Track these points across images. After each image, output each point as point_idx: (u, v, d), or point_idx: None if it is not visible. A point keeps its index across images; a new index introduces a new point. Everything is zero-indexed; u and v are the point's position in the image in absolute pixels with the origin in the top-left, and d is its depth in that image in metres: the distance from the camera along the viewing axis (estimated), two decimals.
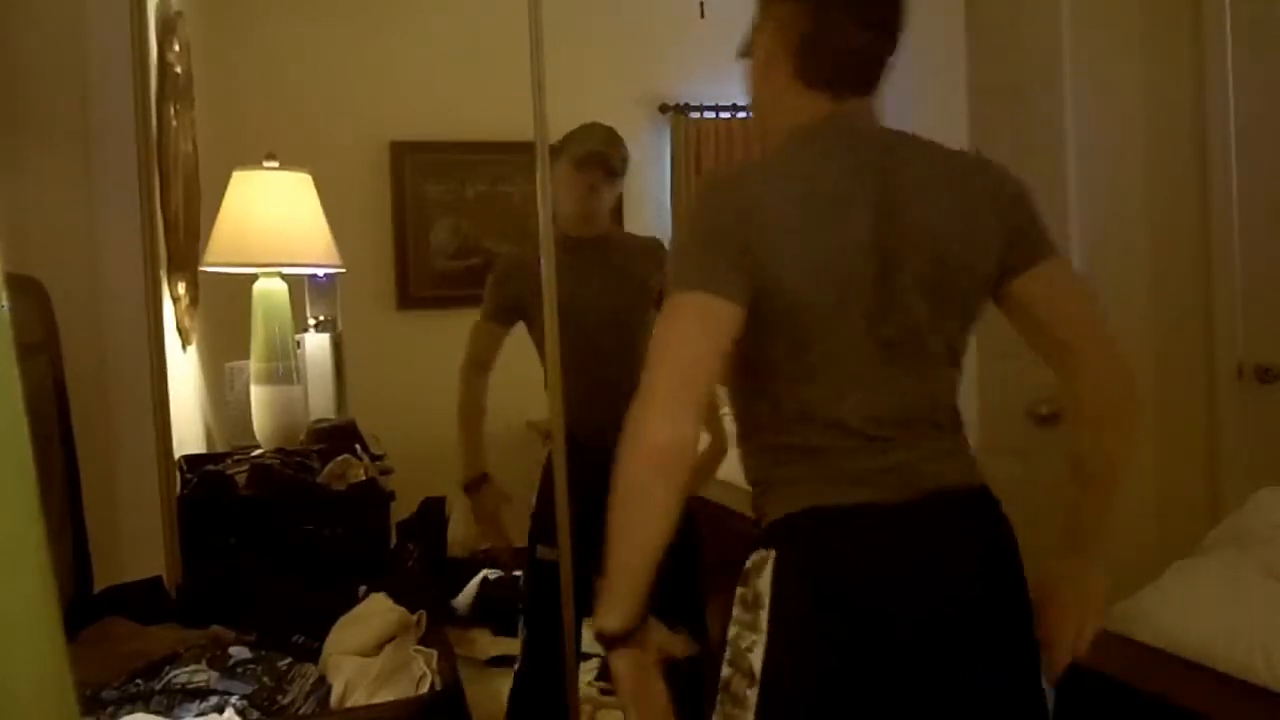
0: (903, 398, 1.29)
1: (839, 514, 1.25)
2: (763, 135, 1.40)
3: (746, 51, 1.38)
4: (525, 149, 2.41)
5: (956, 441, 1.36)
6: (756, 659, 1.22)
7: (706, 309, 1.19)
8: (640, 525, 1.18)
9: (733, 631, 1.26)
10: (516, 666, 2.64)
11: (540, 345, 2.44)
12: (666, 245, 2.69)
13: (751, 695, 1.22)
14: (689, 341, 1.19)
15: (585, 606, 2.52)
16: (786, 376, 1.28)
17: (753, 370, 1.30)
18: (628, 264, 2.49)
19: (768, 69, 1.34)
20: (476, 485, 2.59)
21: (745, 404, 1.36)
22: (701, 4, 3.41)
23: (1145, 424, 2.75)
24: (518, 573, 4.02)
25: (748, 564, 1.28)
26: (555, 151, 2.42)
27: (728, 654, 1.27)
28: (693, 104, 4.98)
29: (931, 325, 1.29)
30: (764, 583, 1.24)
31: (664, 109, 4.99)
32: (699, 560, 2.54)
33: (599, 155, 2.42)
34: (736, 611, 1.26)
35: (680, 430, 1.16)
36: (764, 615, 1.22)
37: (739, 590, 1.27)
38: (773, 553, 1.25)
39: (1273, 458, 2.55)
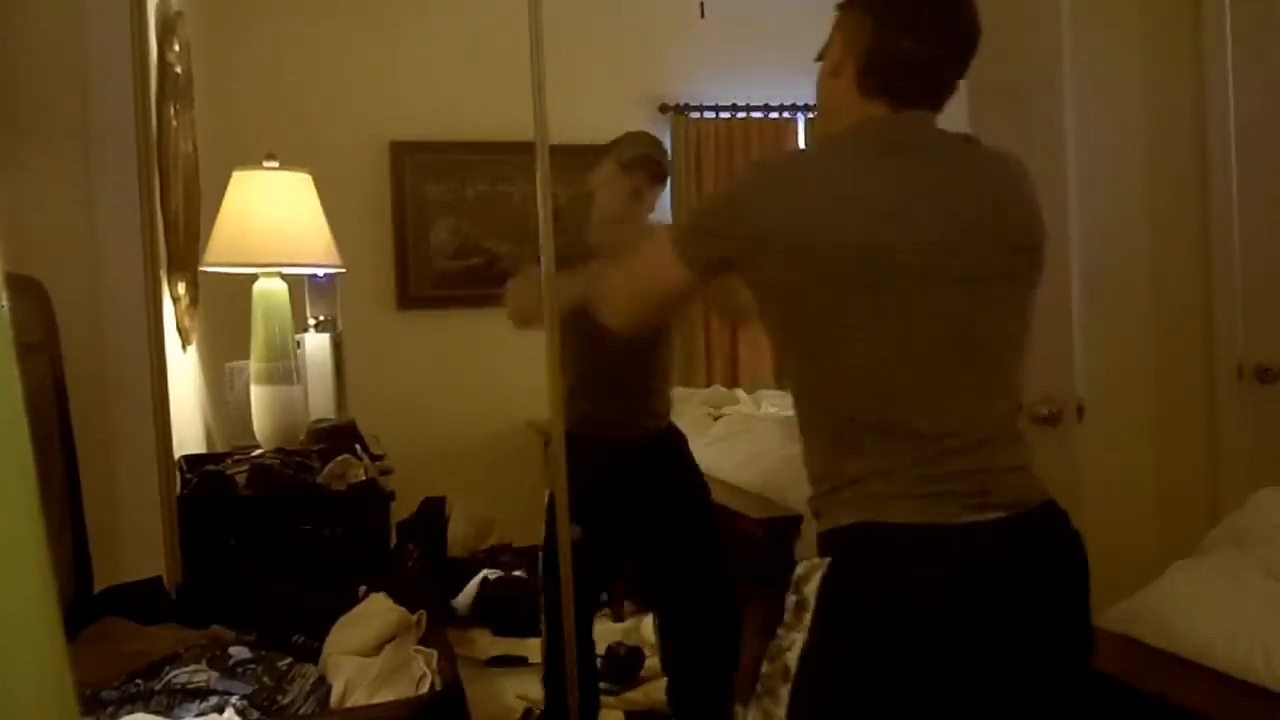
0: (980, 405, 1.30)
1: (901, 533, 1.23)
2: (822, 130, 1.45)
3: (821, 55, 1.43)
4: (525, 149, 2.41)
5: (1025, 451, 1.35)
6: (793, 657, 1.24)
7: (679, 271, 1.38)
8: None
9: (779, 633, 1.28)
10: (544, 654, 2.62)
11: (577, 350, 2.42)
12: None
13: (784, 691, 1.25)
14: (660, 293, 1.48)
15: (602, 584, 2.53)
16: (863, 365, 1.28)
17: (825, 350, 1.31)
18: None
19: (834, 77, 1.38)
20: None
21: (814, 388, 1.35)
22: (701, 4, 3.41)
23: (1145, 424, 2.76)
24: (518, 572, 4.03)
25: (798, 571, 1.28)
26: (600, 154, 2.45)
27: (769, 652, 1.29)
28: (693, 104, 4.98)
29: (998, 327, 1.31)
30: (810, 589, 1.25)
31: (664, 109, 4.99)
32: (720, 549, 2.55)
33: (647, 159, 2.43)
34: (786, 617, 1.28)
35: (630, 325, 1.53)
36: (807, 617, 1.24)
37: (788, 598, 1.28)
38: (827, 561, 1.26)
39: (1273, 458, 2.55)
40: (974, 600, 1.23)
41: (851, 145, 1.34)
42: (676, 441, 2.64)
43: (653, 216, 2.59)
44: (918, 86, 1.34)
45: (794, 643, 1.25)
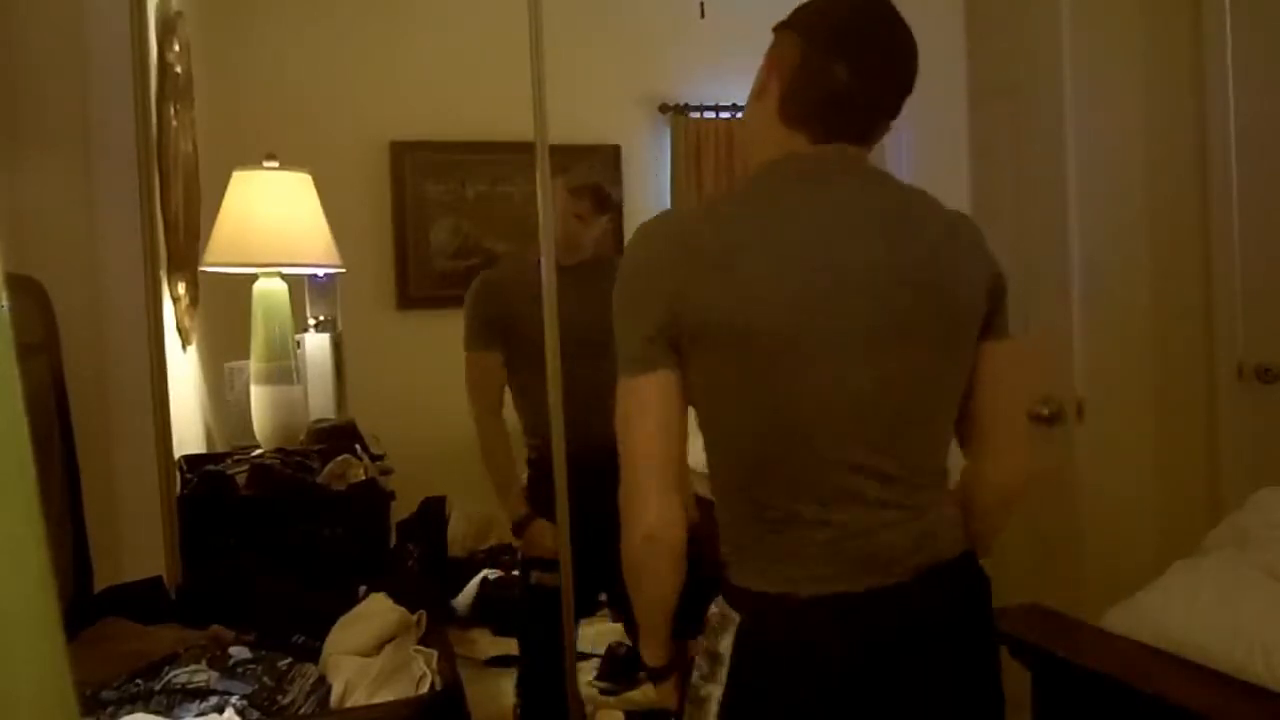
0: (887, 457, 1.23)
1: (808, 605, 1.20)
2: (743, 167, 1.39)
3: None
4: (525, 149, 2.42)
5: (942, 502, 1.30)
6: (713, 709, 1.23)
7: (652, 389, 1.22)
8: (648, 591, 1.29)
9: (695, 676, 1.27)
10: (517, 688, 2.62)
11: (513, 363, 2.49)
12: None
13: None
14: (649, 428, 1.23)
15: (583, 609, 2.52)
16: (753, 432, 1.23)
17: (718, 420, 1.26)
18: (609, 289, 2.49)
19: (758, 99, 1.32)
20: (524, 525, 2.51)
21: (712, 455, 1.30)
22: (701, 4, 3.40)
23: (1145, 424, 2.76)
24: (518, 572, 4.02)
25: (712, 613, 1.26)
26: (557, 172, 2.43)
27: (689, 695, 1.27)
28: (693, 104, 4.98)
29: (917, 374, 1.24)
30: (725, 646, 1.23)
31: (664, 109, 4.98)
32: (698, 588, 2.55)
33: (594, 187, 2.46)
34: (699, 660, 1.27)
35: (664, 514, 1.23)
36: (724, 673, 1.23)
37: (702, 640, 1.27)
38: (737, 617, 1.23)
39: (1273, 458, 2.55)
40: (882, 666, 1.21)
41: (755, 196, 1.26)
42: None
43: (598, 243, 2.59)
44: (843, 118, 1.26)
45: (711, 694, 1.23)
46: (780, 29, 1.33)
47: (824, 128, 1.27)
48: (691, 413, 1.27)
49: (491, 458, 2.55)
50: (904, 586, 1.23)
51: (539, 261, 2.31)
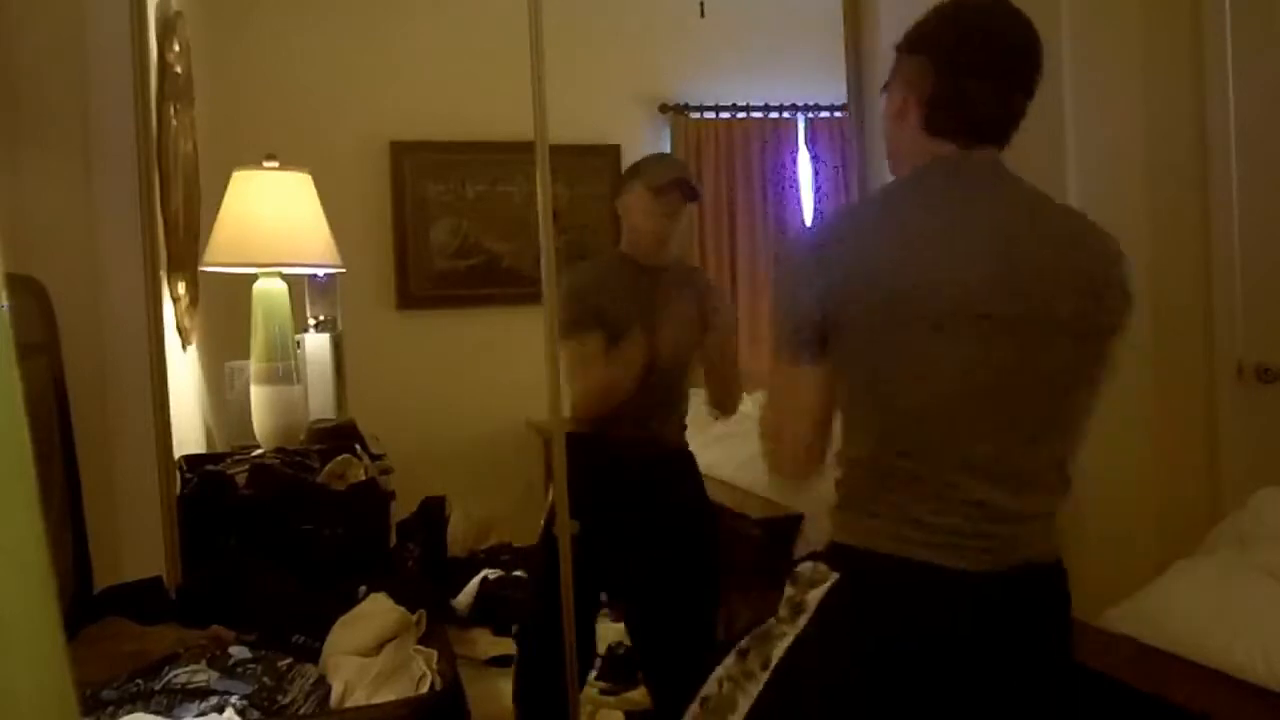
0: (1016, 459, 1.29)
1: (916, 569, 1.25)
2: (894, 171, 1.45)
3: (885, 88, 1.43)
4: (525, 149, 2.42)
5: (1054, 507, 1.35)
6: (778, 650, 1.27)
7: (805, 379, 1.33)
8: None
9: (771, 621, 1.31)
10: (519, 649, 2.62)
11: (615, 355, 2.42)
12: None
13: (761, 675, 1.28)
14: (795, 416, 1.36)
15: (601, 580, 2.52)
16: (903, 405, 1.29)
17: (854, 388, 1.32)
18: (686, 294, 2.50)
19: (899, 120, 1.39)
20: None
21: (854, 414, 1.36)
22: (702, 4, 3.41)
23: (1145, 424, 2.75)
24: (518, 572, 4.02)
25: (804, 568, 1.31)
26: (625, 180, 2.45)
27: (758, 631, 1.31)
28: (693, 104, 4.98)
29: (1047, 381, 1.29)
30: (814, 597, 1.27)
31: (664, 109, 4.99)
32: (715, 546, 2.55)
33: (682, 182, 2.44)
34: (781, 609, 1.31)
35: (811, 470, 1.37)
36: (803, 620, 1.27)
37: (788, 588, 1.31)
38: (835, 575, 1.28)
39: (1273, 458, 2.55)
40: (970, 644, 1.25)
41: (912, 189, 1.35)
42: (692, 463, 2.64)
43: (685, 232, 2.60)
44: (986, 124, 1.34)
45: (785, 635, 1.28)
46: (904, 53, 1.39)
47: (970, 136, 1.34)
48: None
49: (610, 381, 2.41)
50: (1004, 577, 1.27)
51: (622, 256, 2.39)
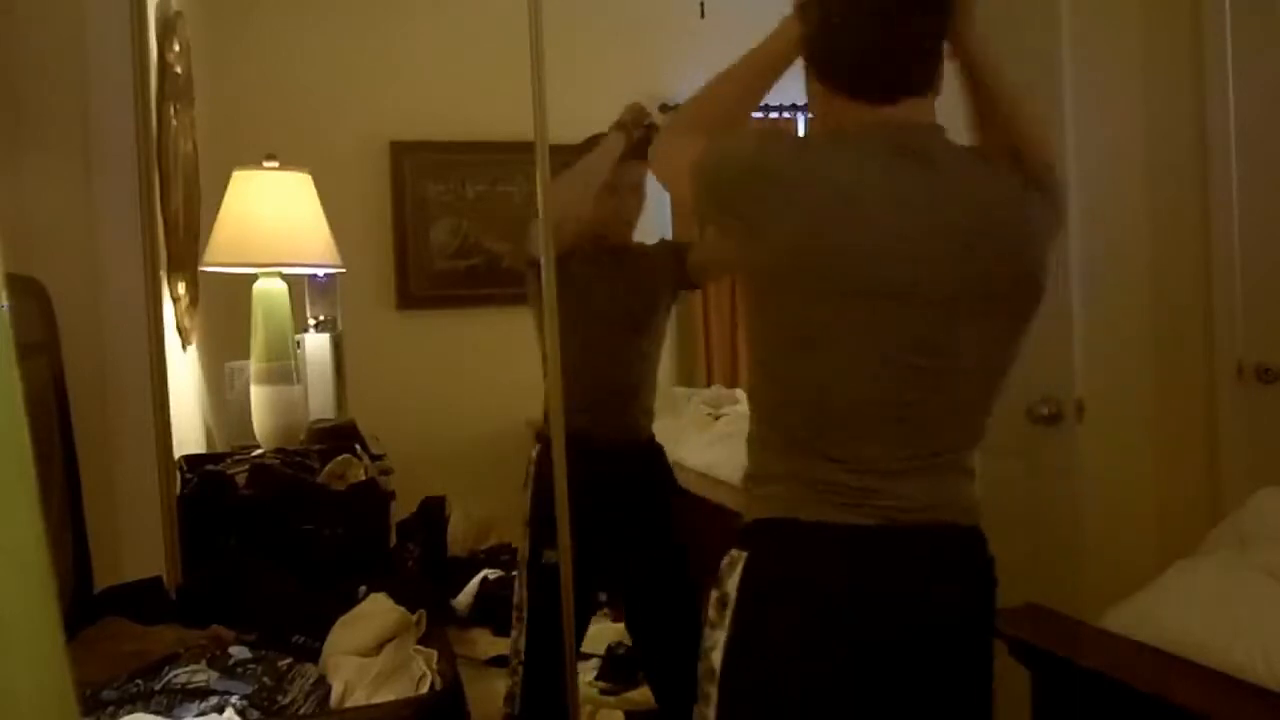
0: (928, 432, 1.28)
1: (820, 528, 1.25)
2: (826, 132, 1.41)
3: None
4: (525, 149, 2.41)
5: (959, 474, 1.34)
6: (718, 656, 1.26)
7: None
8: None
9: (704, 633, 1.30)
10: (516, 675, 2.60)
11: (565, 331, 2.42)
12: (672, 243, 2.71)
13: (713, 691, 1.26)
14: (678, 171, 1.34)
15: (586, 606, 2.52)
16: (799, 368, 1.28)
17: (775, 347, 1.30)
18: (643, 274, 2.50)
19: (806, 75, 1.36)
20: None
21: (759, 385, 1.35)
22: (702, 4, 3.41)
23: (1145, 424, 2.75)
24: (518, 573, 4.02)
25: (722, 564, 1.30)
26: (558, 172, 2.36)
27: (700, 654, 1.30)
28: None
29: (967, 353, 1.28)
30: (732, 584, 1.26)
31: (664, 109, 4.98)
32: (668, 500, 2.55)
33: (644, 139, 2.42)
34: (710, 613, 1.30)
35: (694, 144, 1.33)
36: (728, 615, 1.25)
37: (712, 593, 1.30)
38: (745, 554, 1.27)
39: (1273, 458, 2.55)
40: (883, 597, 1.24)
41: (855, 142, 1.28)
42: (660, 455, 2.63)
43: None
44: (876, 74, 1.28)
45: (717, 642, 1.26)
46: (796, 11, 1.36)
47: (862, 89, 1.29)
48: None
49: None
50: (910, 532, 1.26)
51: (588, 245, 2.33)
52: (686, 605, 2.45)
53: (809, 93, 1.37)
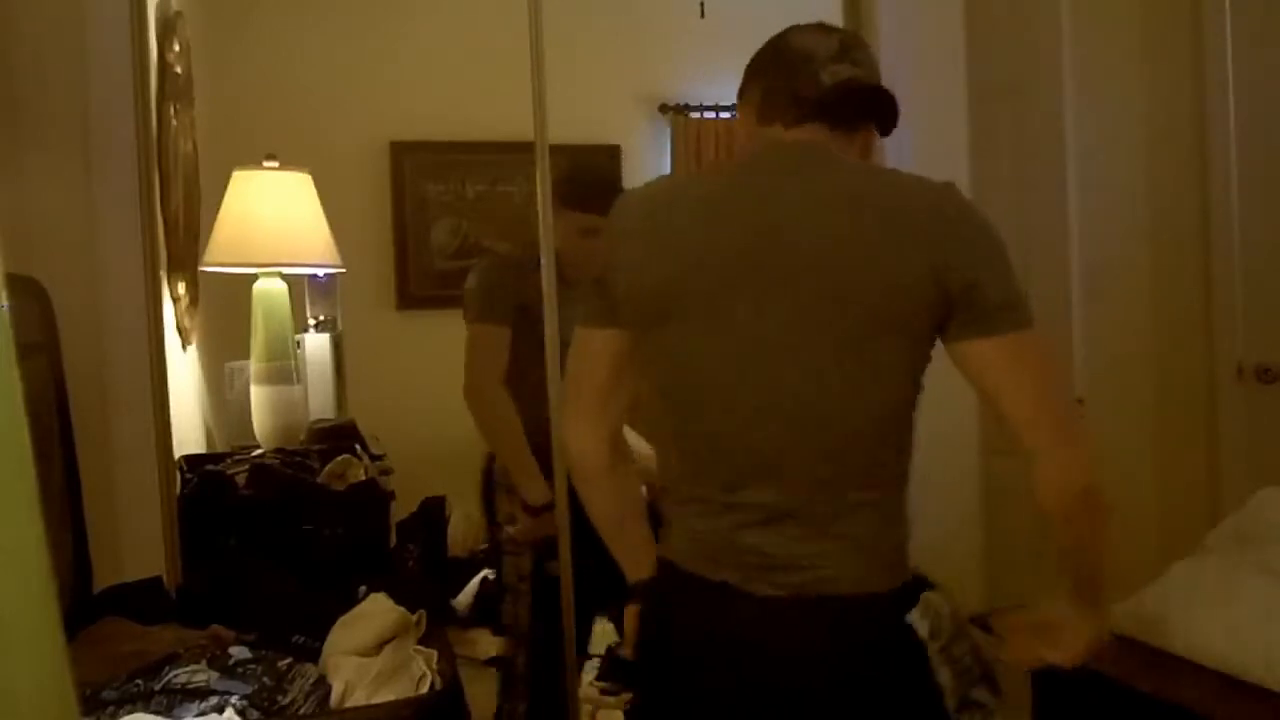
0: (803, 472, 1.16)
1: (683, 578, 1.25)
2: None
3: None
4: (525, 149, 2.41)
5: (857, 527, 1.16)
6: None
7: (592, 340, 1.32)
8: (592, 512, 1.42)
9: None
10: (517, 698, 2.58)
11: (516, 350, 2.40)
12: None
13: None
14: (585, 376, 1.34)
15: (587, 607, 2.51)
16: (668, 414, 1.27)
17: (657, 380, 1.30)
18: None
19: (745, 142, 1.37)
20: (544, 509, 2.34)
21: (656, 419, 1.35)
22: (702, 4, 3.40)
23: (1145, 424, 2.75)
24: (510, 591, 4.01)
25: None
26: (556, 191, 2.33)
27: None
28: (693, 104, 4.97)
29: (835, 370, 1.14)
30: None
31: (664, 109, 4.98)
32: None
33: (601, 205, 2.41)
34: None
35: (583, 444, 1.35)
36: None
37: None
38: (635, 607, 1.34)
39: (1273, 458, 2.55)
40: (743, 672, 1.17)
41: (705, 174, 1.33)
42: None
43: None
44: (803, 83, 1.27)
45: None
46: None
47: (790, 107, 1.28)
48: None
49: (506, 433, 2.40)
50: (768, 603, 1.16)
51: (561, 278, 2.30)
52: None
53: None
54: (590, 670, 2.92)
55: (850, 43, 1.30)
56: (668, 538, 1.30)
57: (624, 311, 1.26)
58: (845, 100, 1.25)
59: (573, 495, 2.23)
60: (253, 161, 2.87)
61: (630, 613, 1.37)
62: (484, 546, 4.29)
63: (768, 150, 1.27)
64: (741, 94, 1.37)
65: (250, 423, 2.89)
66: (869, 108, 1.28)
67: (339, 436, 2.93)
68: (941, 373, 1.22)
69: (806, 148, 1.24)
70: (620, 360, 1.30)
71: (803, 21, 1.38)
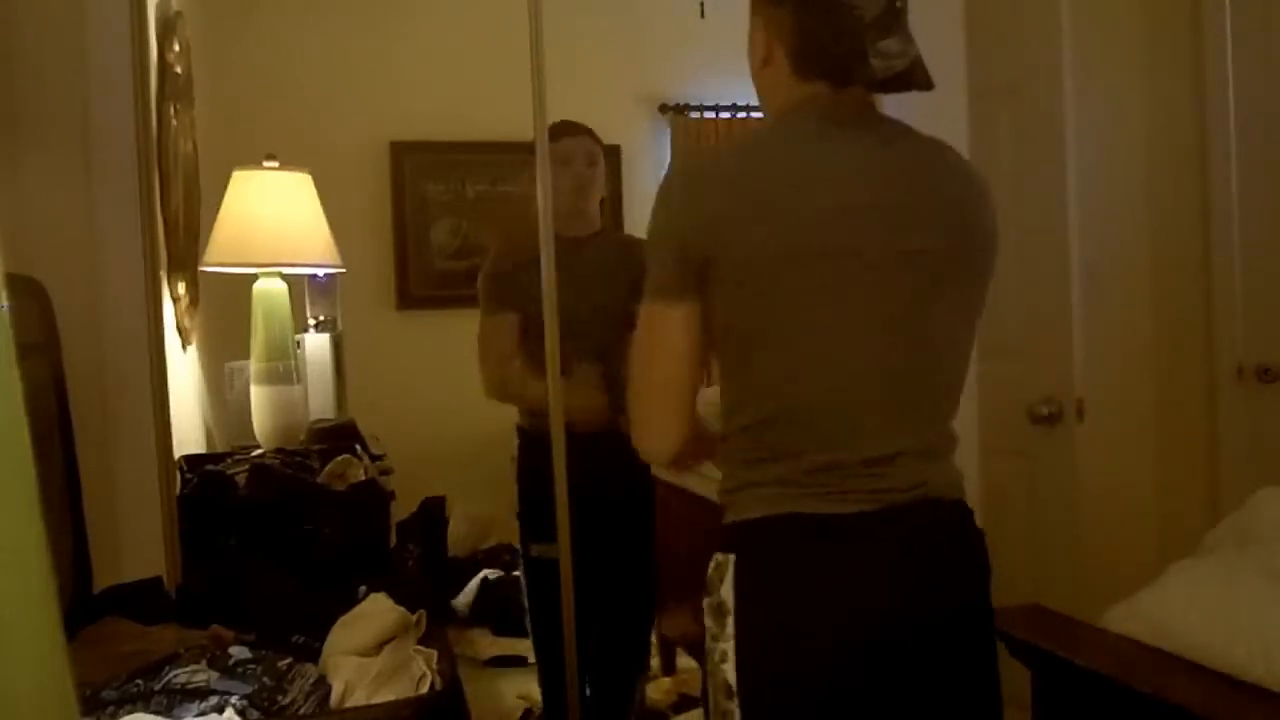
0: (894, 397, 1.26)
1: (807, 520, 1.23)
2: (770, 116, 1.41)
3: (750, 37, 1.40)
4: (525, 149, 2.41)
5: (944, 448, 1.33)
6: (730, 670, 1.22)
7: (673, 318, 1.26)
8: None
9: (707, 642, 1.26)
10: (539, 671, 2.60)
11: (525, 333, 2.42)
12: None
13: (734, 708, 1.22)
14: (665, 357, 1.28)
15: (586, 600, 2.50)
16: (763, 362, 1.26)
17: (733, 347, 1.28)
18: (623, 263, 2.49)
19: (765, 66, 1.35)
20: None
21: (726, 382, 1.32)
22: (702, 4, 3.41)
23: (1145, 424, 2.75)
24: (518, 572, 4.02)
25: (710, 569, 1.27)
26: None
27: (707, 666, 1.27)
28: (693, 104, 4.98)
29: (932, 317, 1.27)
30: (726, 589, 1.23)
31: (664, 109, 4.99)
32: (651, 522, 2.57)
33: (567, 125, 2.41)
34: (707, 621, 1.26)
35: (668, 445, 1.33)
36: (730, 622, 1.22)
37: (705, 600, 1.27)
38: (732, 557, 1.24)
39: (1273, 458, 2.55)
40: (885, 578, 1.23)
41: (786, 126, 1.31)
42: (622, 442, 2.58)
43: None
44: (852, 63, 1.28)
45: (725, 654, 1.23)
46: (767, 2, 1.34)
47: (844, 76, 1.29)
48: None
49: (512, 386, 2.45)
50: (898, 511, 1.24)
51: (556, 236, 2.30)
52: (642, 587, 2.50)
53: (768, 83, 1.36)
54: None
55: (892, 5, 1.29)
56: (763, 495, 1.25)
57: (720, 270, 1.22)
58: (890, 83, 1.31)
59: (573, 493, 2.27)
60: (253, 161, 2.87)
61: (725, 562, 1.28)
62: (484, 546, 4.30)
63: (834, 111, 1.29)
64: (761, 9, 1.34)
65: (250, 423, 2.89)
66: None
67: (339, 436, 2.93)
68: None
69: (868, 108, 1.32)
70: (702, 340, 1.26)
71: None
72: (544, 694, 2.59)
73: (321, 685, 1.58)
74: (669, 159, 4.95)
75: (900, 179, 1.27)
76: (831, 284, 1.23)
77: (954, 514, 1.31)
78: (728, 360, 1.30)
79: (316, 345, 3.47)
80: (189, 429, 2.80)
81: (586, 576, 2.35)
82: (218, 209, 2.83)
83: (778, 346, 1.25)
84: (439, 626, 1.85)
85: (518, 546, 2.66)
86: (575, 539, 2.32)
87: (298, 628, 1.77)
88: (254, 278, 2.89)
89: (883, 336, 1.25)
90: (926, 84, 1.32)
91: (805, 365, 1.25)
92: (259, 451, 2.74)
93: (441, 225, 4.82)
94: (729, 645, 1.22)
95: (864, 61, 1.26)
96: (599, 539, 2.39)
